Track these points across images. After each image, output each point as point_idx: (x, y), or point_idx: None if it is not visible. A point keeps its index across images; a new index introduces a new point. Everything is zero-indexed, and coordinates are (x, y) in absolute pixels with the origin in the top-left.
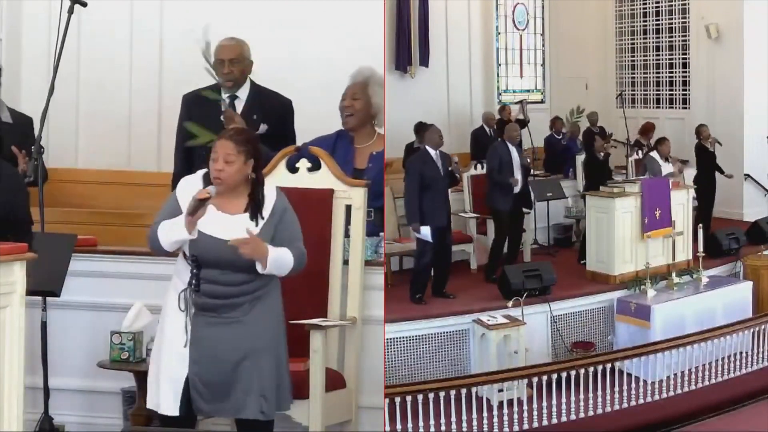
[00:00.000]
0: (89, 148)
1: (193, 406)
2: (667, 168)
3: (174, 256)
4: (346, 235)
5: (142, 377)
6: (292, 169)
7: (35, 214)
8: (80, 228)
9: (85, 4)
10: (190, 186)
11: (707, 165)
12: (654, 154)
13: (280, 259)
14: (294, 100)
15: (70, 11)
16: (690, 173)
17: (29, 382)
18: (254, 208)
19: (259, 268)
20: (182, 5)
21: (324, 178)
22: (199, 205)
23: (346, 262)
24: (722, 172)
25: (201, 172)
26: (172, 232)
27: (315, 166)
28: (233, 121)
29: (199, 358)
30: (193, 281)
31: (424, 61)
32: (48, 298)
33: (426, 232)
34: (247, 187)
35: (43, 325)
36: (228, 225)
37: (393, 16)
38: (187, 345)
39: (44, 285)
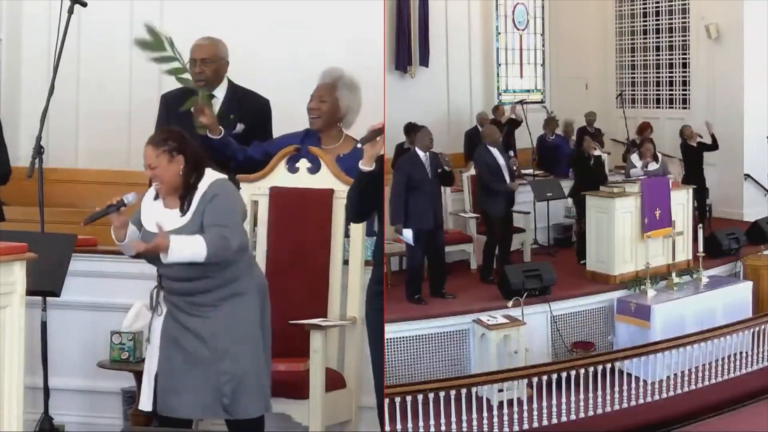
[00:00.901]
0: (89, 148)
1: (156, 403)
2: (648, 167)
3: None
4: (346, 235)
5: (141, 377)
6: (292, 169)
7: (35, 214)
8: (80, 228)
9: (85, 4)
10: (149, 195)
11: (694, 163)
12: (634, 155)
13: (184, 247)
14: (293, 100)
15: (70, 11)
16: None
17: (29, 382)
18: (181, 199)
19: (162, 258)
20: (182, 5)
21: (324, 178)
22: (106, 212)
23: (346, 262)
24: (714, 147)
25: (131, 194)
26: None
27: (315, 167)
28: (203, 113)
29: (166, 355)
30: (159, 280)
31: (424, 61)
32: (48, 298)
33: (408, 234)
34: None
35: (43, 325)
36: (165, 218)
37: (393, 16)
38: (154, 341)
39: (44, 285)
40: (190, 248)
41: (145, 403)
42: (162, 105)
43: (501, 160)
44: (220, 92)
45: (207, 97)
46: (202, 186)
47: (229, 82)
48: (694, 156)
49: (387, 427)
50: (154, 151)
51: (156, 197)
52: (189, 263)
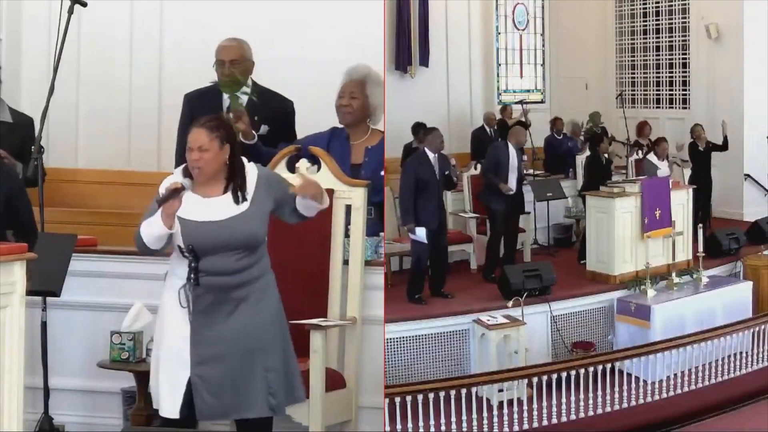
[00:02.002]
0: (89, 148)
1: (196, 409)
2: (664, 170)
3: (163, 256)
4: (346, 235)
5: (142, 377)
6: (292, 169)
7: (35, 214)
8: (80, 228)
9: (85, 4)
10: (174, 177)
11: (701, 164)
12: (651, 156)
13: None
14: (293, 100)
15: (70, 11)
16: (688, 172)
17: (29, 382)
18: (236, 189)
19: (318, 205)
20: (182, 5)
21: (324, 178)
22: (170, 196)
23: (346, 262)
24: (725, 147)
25: (180, 168)
26: (151, 227)
27: (315, 167)
28: (240, 119)
29: (202, 359)
30: (192, 275)
31: (424, 61)
32: (48, 298)
33: (421, 233)
34: (225, 172)
35: (43, 325)
36: (212, 208)
37: (393, 16)
38: (188, 344)
39: (44, 285)
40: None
41: (173, 410)
42: (185, 104)
43: (513, 161)
44: (243, 93)
45: (238, 102)
46: (251, 172)
47: (254, 83)
48: (702, 156)
49: (387, 427)
50: (208, 136)
51: (184, 175)
52: (232, 254)
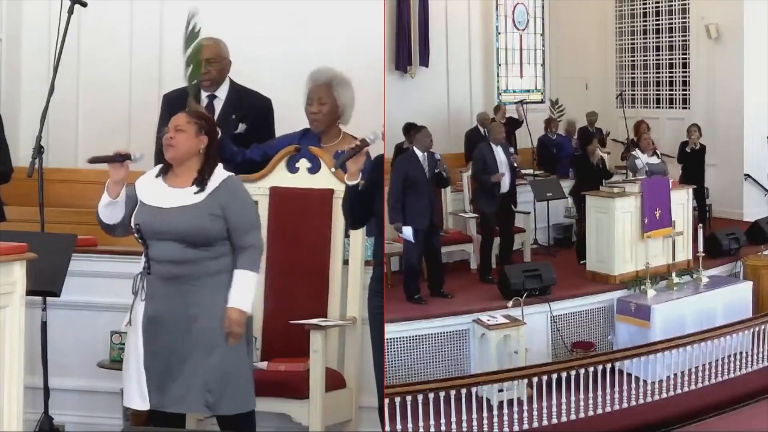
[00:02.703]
0: (89, 148)
1: (149, 398)
2: (644, 160)
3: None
4: (346, 235)
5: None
6: (292, 169)
7: (35, 214)
8: (80, 228)
9: (85, 4)
10: (148, 175)
11: (689, 164)
12: (636, 151)
13: (251, 290)
14: (293, 100)
15: (70, 11)
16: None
17: (29, 382)
18: (200, 179)
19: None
20: (182, 5)
21: (324, 178)
22: (109, 157)
23: (346, 262)
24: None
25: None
26: (102, 197)
27: (315, 167)
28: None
29: (149, 349)
30: (145, 263)
31: (424, 61)
32: (48, 298)
33: (408, 232)
34: (198, 164)
35: (43, 325)
36: (169, 195)
37: (393, 16)
38: (139, 332)
39: (44, 285)
40: (253, 288)
41: (137, 401)
42: (163, 104)
43: (501, 158)
44: (221, 92)
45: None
46: (219, 174)
47: (231, 81)
48: (689, 157)
49: (387, 427)
50: (187, 118)
51: (158, 175)
52: (179, 244)
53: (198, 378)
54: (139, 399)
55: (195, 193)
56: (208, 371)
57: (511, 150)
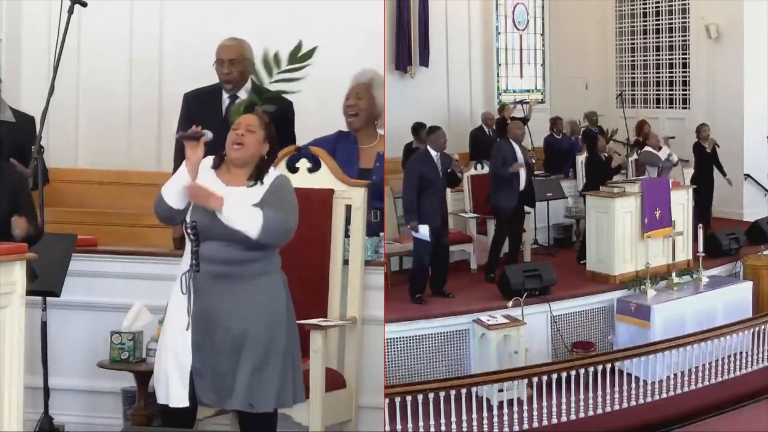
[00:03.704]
0: (89, 148)
1: (197, 394)
2: (663, 153)
3: (171, 255)
4: (346, 235)
5: (142, 377)
6: (292, 169)
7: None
8: (80, 228)
9: (85, 4)
10: (204, 165)
11: (705, 164)
12: (647, 148)
13: (242, 211)
14: (294, 100)
15: (70, 11)
16: (689, 172)
17: (29, 382)
18: (257, 175)
19: (218, 214)
20: (182, 5)
21: (324, 178)
22: (193, 134)
23: (346, 262)
24: (724, 174)
25: (211, 157)
26: (175, 181)
27: (315, 167)
28: None
29: (197, 344)
30: (194, 261)
31: (424, 61)
32: (48, 298)
33: (424, 231)
34: (255, 167)
35: (43, 325)
36: (228, 194)
37: (393, 16)
38: (189, 329)
39: (44, 285)
40: (246, 215)
41: (182, 399)
42: (184, 104)
43: (520, 156)
44: (243, 94)
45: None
46: (272, 174)
47: (252, 82)
48: (703, 158)
49: (387, 427)
50: (257, 121)
51: (213, 165)
52: (230, 244)
53: (243, 376)
54: (183, 397)
55: (250, 187)
56: (250, 372)
57: (529, 149)
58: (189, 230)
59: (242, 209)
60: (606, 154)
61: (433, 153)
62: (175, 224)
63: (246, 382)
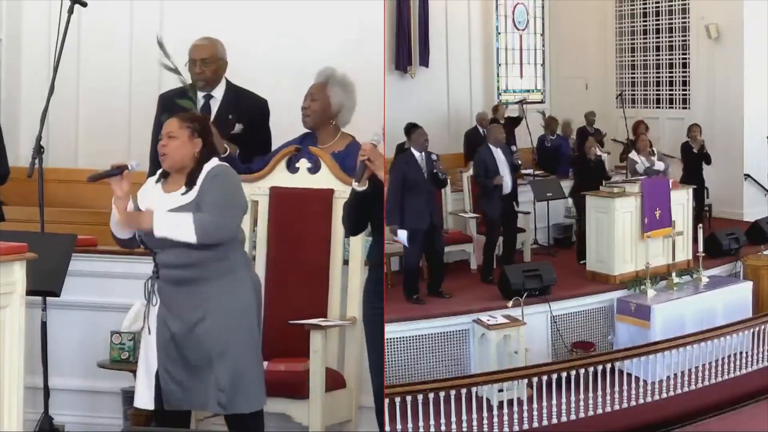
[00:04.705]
0: (89, 148)
1: (162, 397)
2: (644, 163)
3: (143, 255)
4: (346, 235)
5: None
6: (292, 169)
7: (35, 214)
8: (80, 228)
9: (85, 4)
10: (148, 183)
11: (692, 164)
12: (632, 154)
13: (171, 222)
14: (293, 100)
15: (70, 11)
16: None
17: (29, 382)
18: (190, 179)
19: (155, 232)
20: (182, 5)
21: (324, 178)
22: (106, 173)
23: (346, 262)
24: (708, 163)
25: (134, 161)
26: (113, 216)
27: (315, 167)
28: None
29: (165, 351)
30: (154, 268)
31: (424, 61)
32: (48, 298)
33: (402, 235)
34: (193, 167)
35: (43, 325)
36: (166, 202)
37: (393, 16)
38: (152, 334)
39: (44, 285)
40: (176, 224)
41: (146, 401)
42: (159, 105)
43: (501, 160)
44: (218, 92)
45: (191, 103)
46: (206, 167)
47: (227, 82)
48: (693, 158)
49: (387, 427)
50: (178, 124)
51: (158, 180)
52: (185, 248)
53: (211, 378)
54: (147, 399)
55: (183, 193)
56: (220, 371)
57: (513, 149)
58: (141, 245)
59: (170, 221)
60: (594, 156)
61: (417, 154)
62: (136, 248)
63: (214, 383)
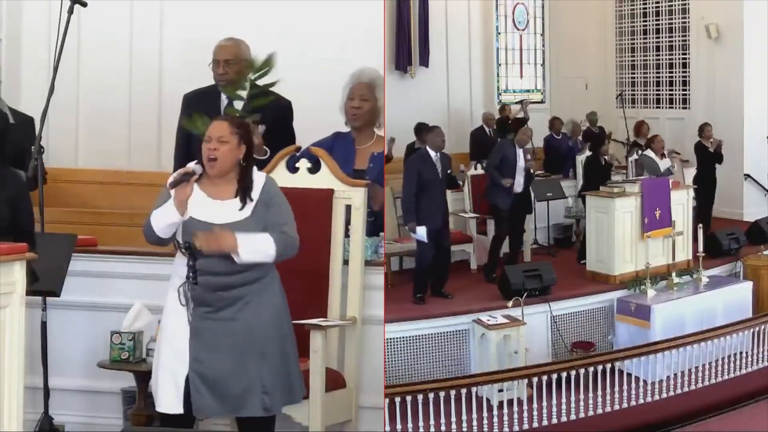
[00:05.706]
0: (89, 148)
1: (192, 405)
2: (663, 164)
3: (171, 255)
4: (346, 235)
5: (142, 377)
6: (292, 169)
7: (35, 214)
8: (80, 228)
9: (85, 4)
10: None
11: (707, 164)
12: (648, 152)
13: (256, 245)
14: (293, 100)
15: (70, 11)
16: (691, 172)
17: (29, 382)
18: (243, 192)
19: (235, 258)
20: (182, 5)
21: (324, 178)
22: (181, 179)
23: (346, 262)
24: (719, 161)
25: (192, 163)
26: (163, 215)
27: (315, 167)
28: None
29: (199, 355)
30: (191, 273)
31: (424, 61)
32: (48, 298)
33: (422, 232)
34: (237, 173)
35: (43, 325)
36: (218, 210)
37: (393, 16)
38: (188, 341)
39: (44, 285)
40: (260, 248)
41: (174, 405)
42: (183, 104)
43: (521, 162)
44: (241, 93)
45: (234, 108)
46: (258, 181)
47: (251, 83)
48: (706, 158)
49: (387, 427)
50: (229, 128)
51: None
52: (230, 257)
53: (255, 382)
54: (176, 404)
55: (240, 209)
56: (263, 374)
57: (529, 157)
58: (183, 250)
59: (255, 246)
60: (607, 158)
61: (432, 153)
62: (165, 246)
63: (259, 385)
